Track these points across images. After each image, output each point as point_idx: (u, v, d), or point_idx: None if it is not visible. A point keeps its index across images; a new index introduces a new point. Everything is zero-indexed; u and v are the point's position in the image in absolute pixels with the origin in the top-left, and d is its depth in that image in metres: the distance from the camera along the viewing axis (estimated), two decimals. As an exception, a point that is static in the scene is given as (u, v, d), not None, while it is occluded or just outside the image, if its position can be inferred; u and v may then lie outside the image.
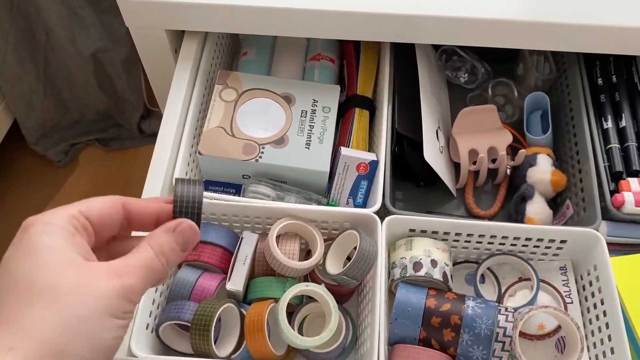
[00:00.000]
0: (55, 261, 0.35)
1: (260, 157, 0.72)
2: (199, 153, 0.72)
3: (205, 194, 0.70)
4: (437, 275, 0.65)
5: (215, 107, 0.75)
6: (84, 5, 1.35)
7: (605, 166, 0.72)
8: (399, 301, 0.63)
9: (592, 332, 0.65)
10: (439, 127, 0.80)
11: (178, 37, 0.81)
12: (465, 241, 0.69)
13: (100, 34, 1.42)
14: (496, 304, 0.63)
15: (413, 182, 0.81)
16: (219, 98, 0.76)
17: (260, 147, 0.72)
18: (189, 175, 0.73)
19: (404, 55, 0.82)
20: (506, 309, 0.62)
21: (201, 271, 0.66)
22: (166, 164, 0.69)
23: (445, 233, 0.68)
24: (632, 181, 0.70)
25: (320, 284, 0.67)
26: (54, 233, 0.36)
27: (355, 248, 0.63)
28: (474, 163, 0.78)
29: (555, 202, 0.78)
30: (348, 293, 0.71)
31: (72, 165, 1.64)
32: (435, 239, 0.68)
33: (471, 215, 0.79)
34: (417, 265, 0.65)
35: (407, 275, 0.65)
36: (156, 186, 0.67)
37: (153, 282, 0.39)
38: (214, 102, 0.75)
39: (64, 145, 1.61)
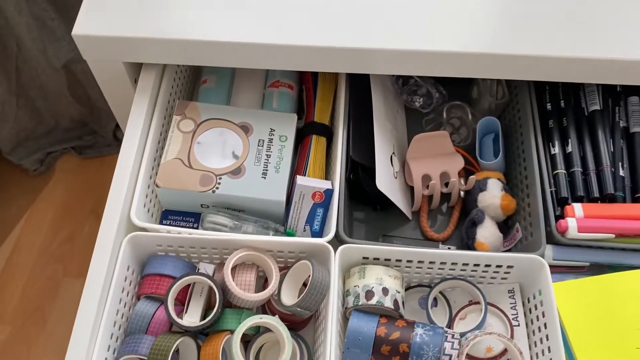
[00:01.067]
0: None
1: (217, 188, 0.73)
2: (157, 185, 0.73)
3: (162, 227, 0.71)
4: (388, 303, 0.67)
5: (173, 139, 0.76)
6: (54, 17, 1.35)
7: (551, 191, 0.75)
8: (351, 330, 0.65)
9: (537, 354, 0.67)
10: (393, 153, 0.82)
11: (137, 67, 0.82)
12: (417, 267, 0.71)
13: (71, 45, 1.41)
14: (444, 330, 0.65)
15: (370, 205, 0.84)
16: (177, 129, 0.77)
17: (217, 177, 0.74)
18: (147, 207, 0.75)
19: (359, 83, 0.84)
20: (453, 336, 0.64)
21: (159, 304, 0.68)
22: (123, 197, 0.70)
23: (397, 260, 0.70)
24: (577, 207, 0.72)
25: (275, 314, 0.69)
26: None
27: (309, 277, 0.65)
28: (428, 187, 0.80)
29: (506, 225, 0.81)
30: (305, 320, 0.73)
31: (48, 174, 1.64)
32: (388, 265, 0.71)
33: (426, 237, 0.81)
34: (369, 294, 0.67)
35: (360, 303, 0.67)
36: (113, 220, 0.69)
37: None
38: (172, 133, 0.77)
39: (40, 154, 1.61)
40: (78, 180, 1.62)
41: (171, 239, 0.69)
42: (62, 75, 1.45)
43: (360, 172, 0.79)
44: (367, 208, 0.84)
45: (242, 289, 0.67)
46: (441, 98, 0.89)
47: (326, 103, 0.84)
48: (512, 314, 0.71)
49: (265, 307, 0.72)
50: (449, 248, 0.80)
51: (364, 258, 0.71)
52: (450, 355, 0.63)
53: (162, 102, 0.80)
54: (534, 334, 0.69)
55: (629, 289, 0.68)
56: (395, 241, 0.80)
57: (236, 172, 0.74)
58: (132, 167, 0.72)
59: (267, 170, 0.75)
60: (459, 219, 0.82)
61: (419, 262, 0.70)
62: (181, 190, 0.73)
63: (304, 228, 0.76)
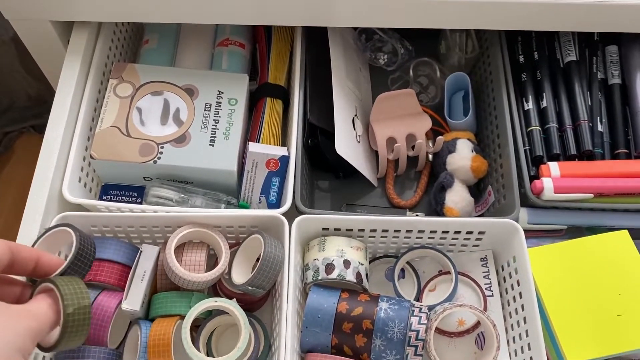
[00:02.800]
0: None
1: (159, 158, 0.66)
2: (92, 157, 0.66)
3: (99, 203, 0.64)
4: (350, 276, 0.61)
5: (110, 105, 0.69)
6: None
7: (525, 150, 0.69)
8: (310, 307, 0.60)
9: (512, 326, 0.62)
10: (355, 115, 0.75)
11: (68, 26, 0.73)
12: (382, 237, 0.65)
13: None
14: (411, 303, 0.60)
15: (332, 173, 0.77)
16: (113, 94, 0.69)
17: (159, 146, 0.67)
18: (84, 181, 0.67)
19: (317, 40, 0.76)
20: (420, 310, 0.59)
21: (99, 290, 0.61)
22: (52, 170, 0.63)
23: (360, 230, 0.64)
24: (552, 166, 0.67)
25: (229, 295, 0.63)
26: None
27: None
28: (393, 151, 0.74)
29: (478, 188, 0.75)
30: (261, 299, 0.67)
31: (8, 154, 1.55)
32: (350, 236, 0.65)
33: (393, 205, 0.76)
34: (330, 267, 0.62)
35: (320, 278, 0.62)
36: (40, 198, 0.61)
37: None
38: (107, 99, 0.69)
39: (-3, 134, 1.53)
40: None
41: (106, 219, 0.62)
42: (12, 48, 1.35)
43: (319, 136, 0.72)
44: (329, 176, 0.78)
45: (192, 270, 0.61)
46: (407, 54, 0.82)
47: (281, 62, 0.77)
48: (485, 284, 0.66)
49: (217, 288, 0.65)
50: (417, 215, 0.74)
51: (323, 229, 0.65)
52: (418, 331, 0.57)
53: (98, 65, 0.72)
54: (508, 304, 0.64)
55: (608, 252, 0.63)
56: (359, 210, 0.74)
57: (180, 139, 0.67)
58: (62, 138, 0.65)
59: (215, 137, 0.68)
60: (428, 184, 0.76)
61: (383, 231, 0.64)
62: (119, 162, 0.66)
63: (260, 199, 0.69)
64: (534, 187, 0.66)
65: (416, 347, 0.57)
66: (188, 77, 0.71)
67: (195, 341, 0.60)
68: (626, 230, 0.64)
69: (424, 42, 0.84)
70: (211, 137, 0.68)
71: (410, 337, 0.57)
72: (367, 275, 0.63)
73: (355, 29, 0.83)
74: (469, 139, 0.73)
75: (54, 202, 0.63)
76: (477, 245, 0.67)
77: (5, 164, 1.58)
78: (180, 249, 0.63)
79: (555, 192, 0.65)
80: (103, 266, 0.62)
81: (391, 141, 0.74)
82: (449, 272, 0.66)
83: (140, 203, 0.70)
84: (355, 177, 0.75)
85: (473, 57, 0.80)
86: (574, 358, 0.57)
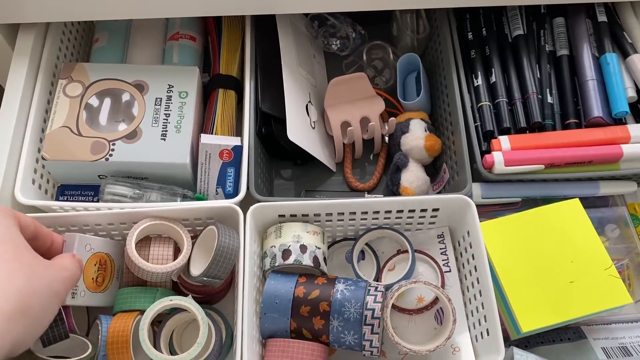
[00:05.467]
0: (14, 240, 0.45)
1: (111, 155, 0.66)
2: (43, 158, 0.66)
3: (53, 203, 0.64)
4: (307, 261, 0.62)
5: (59, 105, 0.68)
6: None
7: (476, 126, 0.70)
8: (267, 294, 0.60)
9: (470, 299, 0.63)
10: (309, 101, 0.76)
11: (14, 29, 0.73)
12: (339, 220, 0.66)
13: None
14: (367, 283, 0.61)
15: (290, 160, 0.78)
16: (63, 94, 0.69)
17: (111, 144, 0.66)
18: (38, 182, 0.67)
19: (268, 29, 0.76)
20: (376, 288, 0.60)
21: None
22: (2, 175, 0.63)
23: (316, 215, 0.65)
24: (503, 139, 0.68)
25: (189, 288, 0.63)
26: (9, 220, 0.46)
27: (216, 243, 0.59)
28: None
29: (435, 167, 0.76)
30: (222, 290, 0.67)
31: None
32: (307, 221, 0.65)
33: (352, 189, 0.76)
34: (286, 253, 0.62)
35: (277, 264, 0.62)
36: (-9, 201, 0.61)
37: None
38: (57, 100, 0.69)
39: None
40: None
41: (60, 219, 0.62)
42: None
43: (273, 125, 0.72)
44: (289, 164, 0.78)
45: (158, 264, 0.61)
46: (360, 39, 0.82)
47: (233, 53, 0.77)
48: (443, 260, 0.67)
49: (178, 282, 0.66)
50: (375, 197, 0.74)
51: (280, 216, 0.65)
52: (373, 310, 0.58)
53: (47, 65, 0.72)
54: (465, 279, 0.65)
55: (560, 221, 0.64)
56: (318, 196, 0.74)
57: (131, 135, 0.67)
58: (11, 140, 0.65)
59: (166, 130, 0.68)
60: (385, 166, 0.77)
61: (339, 214, 0.65)
62: (71, 161, 0.66)
63: (216, 191, 0.70)
64: (484, 161, 0.67)
65: (372, 325, 0.57)
66: (138, 73, 0.71)
67: (157, 337, 0.61)
68: (577, 199, 0.65)
69: (377, 25, 0.84)
70: (162, 131, 0.68)
71: (366, 315, 0.58)
72: (324, 258, 0.64)
73: (306, 15, 0.83)
74: (422, 119, 0.74)
75: (7, 205, 0.63)
76: (433, 223, 0.68)
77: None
78: (146, 243, 0.63)
79: (505, 166, 0.66)
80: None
81: (346, 125, 0.75)
82: (407, 251, 0.67)
83: (97, 202, 0.69)
84: (314, 164, 0.76)
85: (424, 37, 0.80)
86: (527, 326, 0.58)
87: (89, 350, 0.58)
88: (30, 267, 0.44)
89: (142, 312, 0.60)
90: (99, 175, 0.69)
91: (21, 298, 0.41)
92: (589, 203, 0.70)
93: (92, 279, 0.61)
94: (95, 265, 0.61)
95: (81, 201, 0.70)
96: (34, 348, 0.57)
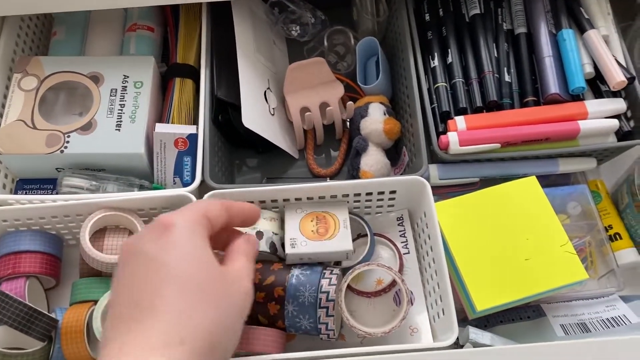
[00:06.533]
0: (204, 261, 0.39)
1: (66, 147, 0.66)
2: (-2, 152, 0.66)
3: (10, 197, 0.64)
4: (263, 247, 0.62)
5: (14, 99, 0.68)
6: None
7: (433, 107, 0.69)
8: (221, 281, 0.60)
9: (427, 280, 0.63)
10: (268, 88, 0.75)
11: (-31, 25, 0.73)
12: (297, 205, 0.66)
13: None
14: (323, 267, 0.60)
15: (252, 148, 0.77)
16: (17, 88, 0.69)
17: (65, 136, 0.66)
18: (-6, 177, 0.67)
19: (225, 17, 0.76)
20: (331, 272, 0.60)
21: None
22: (-44, 170, 0.63)
23: (273, 201, 0.64)
24: (459, 119, 0.67)
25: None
26: (198, 233, 0.40)
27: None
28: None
29: (396, 151, 0.75)
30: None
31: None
32: (265, 208, 0.65)
33: (314, 175, 0.76)
34: (242, 240, 0.62)
35: (232, 251, 0.62)
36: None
37: None
38: (12, 94, 0.68)
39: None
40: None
41: (16, 212, 0.62)
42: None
43: (230, 112, 0.72)
44: (251, 153, 0.78)
45: (114, 254, 0.61)
46: (320, 24, 0.81)
47: (189, 42, 0.76)
48: (402, 242, 0.67)
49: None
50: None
51: (234, 203, 0.65)
52: (328, 292, 0.58)
53: (4, 60, 0.72)
54: (423, 259, 0.65)
55: (517, 199, 0.63)
56: (280, 183, 0.74)
57: (86, 127, 0.67)
58: (-36, 136, 0.65)
59: (121, 121, 0.67)
60: (347, 152, 0.77)
61: (296, 200, 0.64)
62: (26, 155, 0.66)
63: (174, 180, 0.69)
64: (440, 142, 0.66)
65: (327, 307, 0.57)
66: (93, 65, 0.71)
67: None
68: (534, 177, 0.65)
69: (337, 10, 0.84)
70: (117, 121, 0.67)
71: (320, 299, 0.57)
72: (282, 244, 0.64)
73: (266, 2, 0.82)
74: (381, 102, 0.73)
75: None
76: (392, 206, 0.67)
77: None
78: (101, 235, 0.63)
79: (461, 145, 0.65)
80: (21, 257, 0.62)
81: (305, 111, 0.74)
82: (367, 235, 0.66)
83: (56, 195, 0.69)
84: (276, 152, 0.75)
85: (384, 20, 0.80)
86: (482, 305, 0.58)
87: (45, 342, 0.58)
88: (217, 297, 0.38)
89: (96, 302, 0.60)
90: (56, 168, 0.68)
91: (211, 334, 0.37)
92: (550, 181, 0.70)
93: None
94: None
95: (40, 194, 0.70)
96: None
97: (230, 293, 0.40)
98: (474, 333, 0.58)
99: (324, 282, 0.58)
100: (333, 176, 0.76)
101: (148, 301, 0.36)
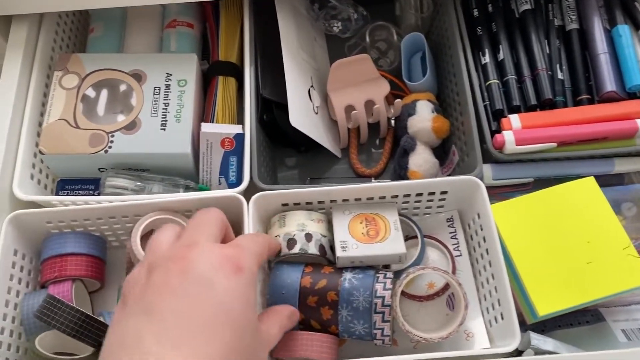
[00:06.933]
0: (251, 312, 0.41)
1: (110, 147, 0.64)
2: (41, 152, 0.64)
3: (53, 198, 0.63)
4: (312, 249, 0.60)
5: (56, 97, 0.67)
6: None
7: (485, 105, 0.67)
8: (273, 285, 0.58)
9: (482, 283, 0.61)
10: (312, 86, 0.73)
11: (7, 21, 0.71)
12: (345, 207, 0.64)
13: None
14: (375, 271, 0.59)
15: (294, 148, 0.76)
16: (59, 86, 0.67)
17: (109, 135, 0.65)
18: (37, 178, 0.66)
19: (267, 13, 0.74)
20: (385, 276, 0.58)
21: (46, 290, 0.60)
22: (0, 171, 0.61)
23: (320, 202, 0.63)
24: (513, 118, 0.65)
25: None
26: (255, 282, 0.42)
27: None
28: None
29: (444, 150, 0.73)
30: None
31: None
32: (311, 209, 0.63)
33: (358, 175, 0.74)
34: (291, 242, 0.60)
35: (282, 254, 0.60)
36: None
37: None
38: (53, 92, 0.67)
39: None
40: None
41: (61, 214, 0.61)
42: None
43: (274, 111, 0.70)
44: (293, 152, 0.76)
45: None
46: (362, 20, 0.80)
47: (231, 39, 0.75)
48: (453, 244, 0.65)
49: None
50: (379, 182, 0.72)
51: (283, 205, 0.63)
52: (383, 297, 0.56)
53: (42, 57, 0.70)
54: (477, 262, 0.63)
55: (575, 200, 0.61)
56: (323, 183, 0.72)
57: (130, 126, 0.65)
58: (7, 134, 0.63)
59: (166, 120, 0.66)
60: (392, 150, 0.75)
61: (343, 201, 0.63)
62: (70, 155, 0.64)
63: (219, 181, 0.68)
64: (495, 141, 0.64)
65: (383, 313, 0.56)
66: (135, 62, 0.69)
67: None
68: (592, 177, 0.63)
69: (379, 6, 0.82)
70: (162, 121, 0.66)
71: (376, 304, 0.56)
72: (331, 247, 0.62)
73: (308, -2, 0.81)
74: (429, 100, 0.71)
75: (5, 201, 0.62)
76: (441, 207, 0.65)
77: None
78: (148, 237, 0.61)
79: (517, 145, 0.63)
80: (65, 261, 0.61)
81: (350, 109, 0.73)
82: (416, 237, 0.65)
83: (98, 195, 0.68)
84: (319, 151, 0.74)
85: (428, 15, 0.78)
86: (544, 310, 0.56)
87: (97, 347, 0.57)
88: (249, 352, 0.40)
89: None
90: (99, 169, 0.67)
91: None
92: (603, 181, 0.67)
93: None
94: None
95: (82, 195, 0.69)
96: (42, 345, 0.56)
97: (257, 353, 0.42)
98: (536, 339, 0.56)
99: (379, 286, 0.57)
100: (377, 176, 0.74)
101: (209, 328, 0.37)
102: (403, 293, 0.62)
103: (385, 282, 0.57)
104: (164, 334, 0.36)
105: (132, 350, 0.35)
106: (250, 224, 0.59)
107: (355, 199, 0.62)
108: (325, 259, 0.61)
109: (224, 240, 0.47)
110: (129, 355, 0.35)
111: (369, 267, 0.60)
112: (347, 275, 0.58)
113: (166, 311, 0.37)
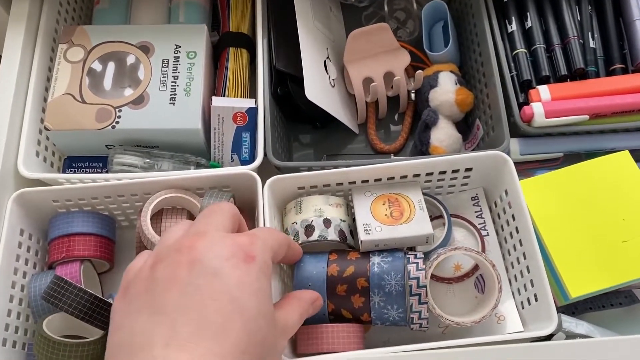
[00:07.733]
0: (266, 304, 0.38)
1: (117, 122, 0.61)
2: (46, 128, 0.61)
3: (59, 176, 0.60)
4: (332, 235, 0.56)
5: (61, 71, 0.64)
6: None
7: (512, 75, 0.64)
8: (299, 278, 0.55)
9: (512, 264, 0.58)
10: (328, 57, 0.70)
11: (10, -7, 0.68)
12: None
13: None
14: (404, 252, 0.55)
15: (309, 124, 0.72)
16: (64, 59, 0.64)
17: (117, 110, 0.62)
18: (42, 155, 0.63)
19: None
20: (415, 256, 0.54)
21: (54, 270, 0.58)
22: (3, 147, 0.59)
23: (338, 184, 0.59)
24: (542, 89, 0.62)
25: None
26: (269, 273, 0.39)
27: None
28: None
29: (467, 124, 0.70)
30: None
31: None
32: (329, 192, 0.60)
33: (376, 151, 0.71)
34: (309, 229, 0.57)
35: (300, 242, 0.56)
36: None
37: None
38: (58, 66, 0.64)
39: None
40: None
41: (67, 192, 0.58)
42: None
43: (289, 84, 0.67)
44: (308, 128, 0.73)
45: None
46: (379, -12, 0.76)
47: (243, 9, 0.71)
48: (479, 223, 0.62)
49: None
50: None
51: (299, 189, 0.59)
52: (418, 278, 0.52)
53: (46, 30, 0.67)
54: (506, 242, 0.59)
55: (609, 176, 0.58)
56: (340, 159, 0.69)
57: (138, 101, 0.62)
58: (11, 110, 0.61)
59: (175, 94, 0.63)
60: (412, 125, 0.71)
61: (363, 182, 0.59)
62: (76, 131, 0.62)
63: (232, 158, 0.65)
64: (523, 114, 0.61)
65: (419, 295, 0.52)
66: (142, 34, 0.66)
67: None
68: (627, 151, 0.59)
69: (398, -28, 0.78)
70: (171, 94, 0.63)
71: (411, 285, 0.52)
72: (351, 232, 0.59)
73: (321, -34, 0.77)
74: (451, 71, 0.68)
75: (10, 179, 0.59)
76: (465, 184, 0.62)
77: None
78: (158, 216, 0.59)
79: (546, 117, 0.60)
80: (73, 241, 0.58)
81: (368, 82, 0.69)
82: (440, 216, 0.62)
83: (106, 173, 0.65)
84: (334, 126, 0.71)
85: (450, -17, 0.74)
86: (577, 291, 0.53)
87: (106, 329, 0.55)
88: (266, 343, 0.38)
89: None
90: (106, 145, 0.64)
91: None
92: (637, 156, 0.64)
93: None
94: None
95: (89, 173, 0.66)
96: (50, 328, 0.54)
97: (275, 343, 0.40)
98: (568, 322, 0.53)
99: (411, 267, 0.53)
100: (397, 152, 0.70)
101: (219, 324, 0.34)
102: (431, 276, 0.59)
103: (417, 262, 0.53)
104: (174, 336, 0.33)
105: (142, 355, 0.33)
106: (266, 210, 0.56)
107: (375, 180, 0.59)
108: (346, 244, 0.58)
109: None
110: None
111: (395, 249, 0.57)
112: (376, 259, 0.55)
113: (175, 310, 0.34)
